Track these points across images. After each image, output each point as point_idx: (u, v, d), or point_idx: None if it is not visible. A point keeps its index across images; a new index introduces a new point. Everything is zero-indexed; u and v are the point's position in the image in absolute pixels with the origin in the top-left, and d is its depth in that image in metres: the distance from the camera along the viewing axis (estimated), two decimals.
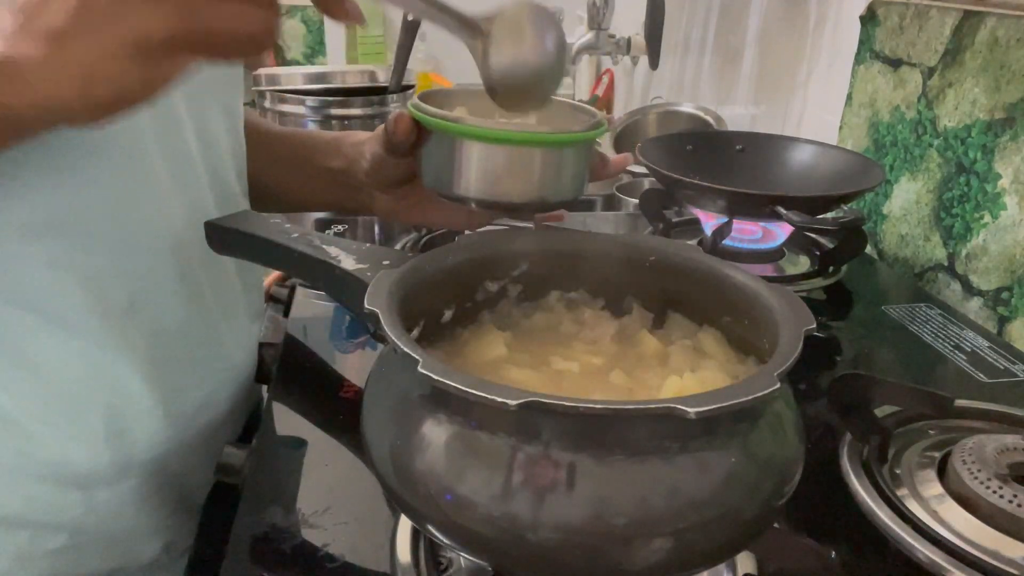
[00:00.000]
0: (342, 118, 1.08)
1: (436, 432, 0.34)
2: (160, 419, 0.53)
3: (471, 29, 0.41)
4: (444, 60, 2.12)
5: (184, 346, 0.55)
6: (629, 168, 1.19)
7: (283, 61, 2.29)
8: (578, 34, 1.44)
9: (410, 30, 1.08)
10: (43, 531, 0.51)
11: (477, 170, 0.47)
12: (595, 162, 0.53)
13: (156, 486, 0.55)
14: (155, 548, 0.57)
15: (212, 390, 0.58)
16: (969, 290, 0.81)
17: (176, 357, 0.54)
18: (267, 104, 1.13)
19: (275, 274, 0.85)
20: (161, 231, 0.52)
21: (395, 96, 1.09)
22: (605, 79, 1.86)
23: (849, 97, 1.01)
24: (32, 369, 0.48)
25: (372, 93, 1.10)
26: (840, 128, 1.04)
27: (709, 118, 1.25)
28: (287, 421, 0.59)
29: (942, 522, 0.46)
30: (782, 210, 0.75)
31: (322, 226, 0.93)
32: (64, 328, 0.48)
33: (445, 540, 0.35)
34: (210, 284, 0.57)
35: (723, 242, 0.80)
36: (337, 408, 0.60)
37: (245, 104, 0.64)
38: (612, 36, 1.43)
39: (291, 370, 0.65)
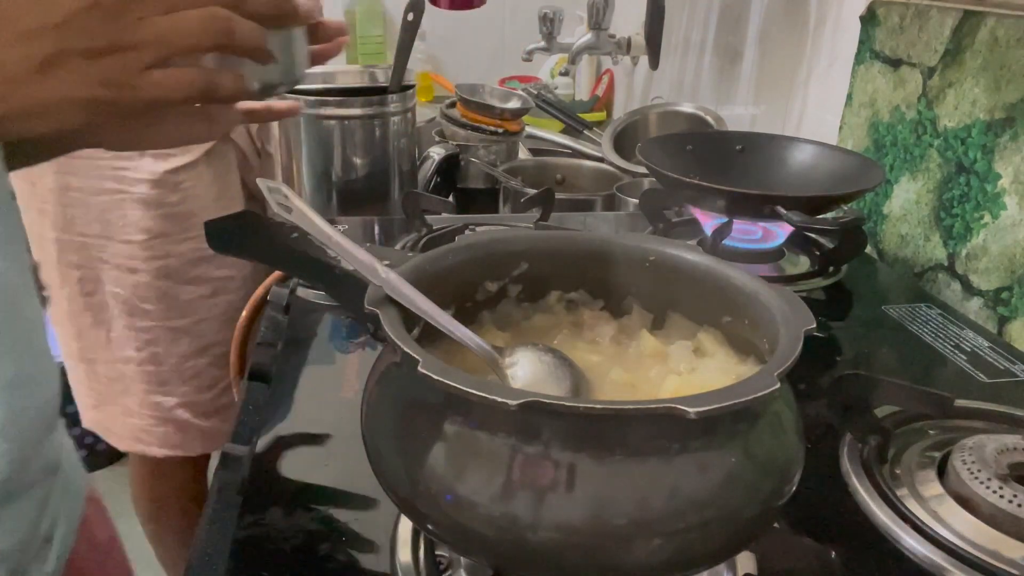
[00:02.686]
0: (341, 118, 1.07)
1: (436, 432, 0.34)
2: None
3: (490, 359, 0.41)
4: (444, 60, 2.12)
5: None
6: (629, 168, 1.19)
7: None
8: (578, 34, 1.44)
9: (410, 30, 1.08)
10: None
11: None
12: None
13: None
14: None
15: None
16: (969, 290, 0.81)
17: None
18: None
19: (275, 274, 0.85)
20: None
21: (395, 96, 1.09)
22: (605, 79, 1.87)
23: (849, 97, 1.01)
24: None
25: (372, 93, 1.10)
26: (840, 128, 1.04)
27: (709, 118, 1.25)
28: (287, 421, 0.59)
29: (942, 522, 0.46)
30: (782, 210, 0.75)
31: None
32: None
33: (445, 540, 0.35)
34: None
35: (723, 242, 0.80)
36: (337, 408, 0.60)
37: None
38: (612, 36, 1.43)
39: (291, 370, 0.65)
